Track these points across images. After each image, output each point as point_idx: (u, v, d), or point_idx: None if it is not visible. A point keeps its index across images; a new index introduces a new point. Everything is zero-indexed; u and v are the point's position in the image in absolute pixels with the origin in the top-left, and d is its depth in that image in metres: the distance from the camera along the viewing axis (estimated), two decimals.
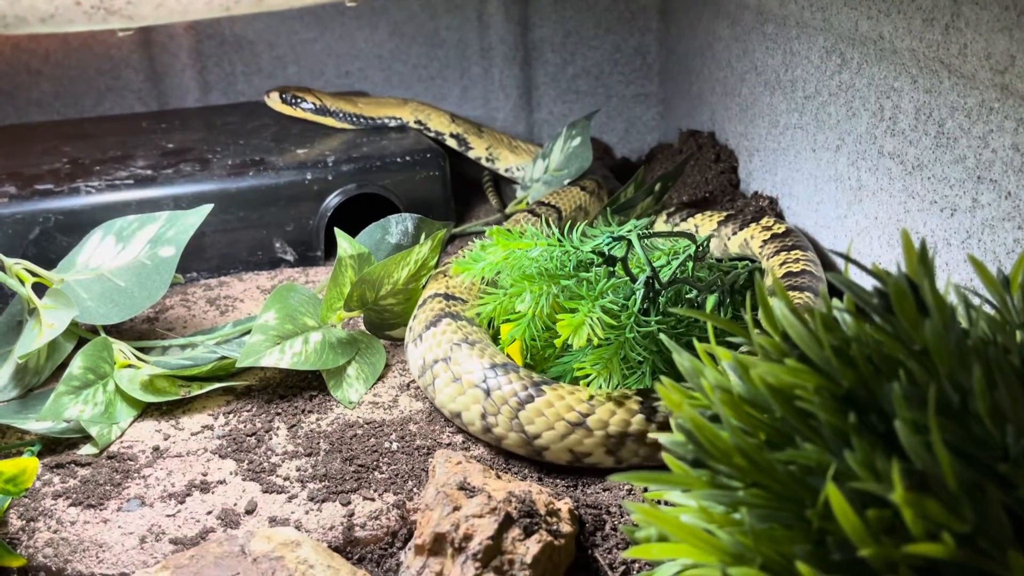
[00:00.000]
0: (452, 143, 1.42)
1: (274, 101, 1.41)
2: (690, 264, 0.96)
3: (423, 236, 1.13)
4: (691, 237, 0.96)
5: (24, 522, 0.76)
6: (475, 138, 1.42)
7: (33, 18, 0.60)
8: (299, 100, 1.40)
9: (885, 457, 0.47)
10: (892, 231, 0.96)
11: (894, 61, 0.91)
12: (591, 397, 0.82)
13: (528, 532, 0.66)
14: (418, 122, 1.41)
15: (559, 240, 0.92)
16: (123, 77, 1.60)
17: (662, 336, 0.64)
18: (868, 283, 0.54)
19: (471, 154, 1.42)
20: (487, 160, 1.42)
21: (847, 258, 0.54)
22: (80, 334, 0.98)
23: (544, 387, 0.82)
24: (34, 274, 0.95)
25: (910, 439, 0.46)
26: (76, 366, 0.88)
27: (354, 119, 1.40)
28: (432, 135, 1.41)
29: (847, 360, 0.51)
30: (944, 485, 0.44)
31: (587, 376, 0.84)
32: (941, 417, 0.46)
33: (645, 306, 0.88)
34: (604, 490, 0.79)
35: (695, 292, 0.92)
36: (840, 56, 1.02)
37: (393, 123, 1.40)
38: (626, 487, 0.79)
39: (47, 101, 1.58)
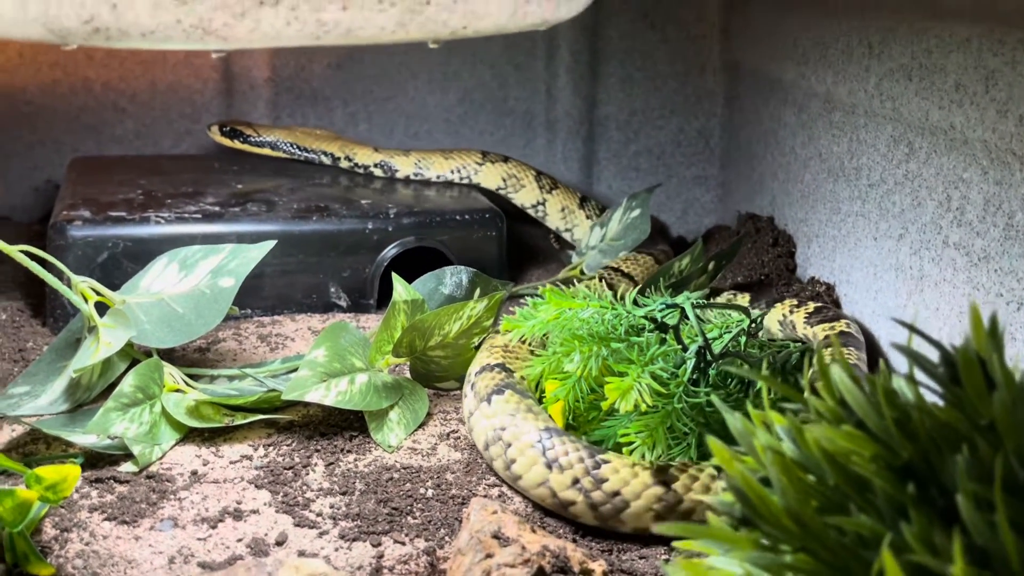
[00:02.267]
0: (378, 172, 1.48)
1: (215, 134, 1.51)
2: (743, 339, 0.95)
3: (476, 291, 1.14)
4: (746, 311, 0.95)
5: (58, 531, 0.76)
6: (401, 158, 1.48)
7: (135, 32, 0.64)
8: (237, 132, 1.50)
9: (943, 532, 0.45)
10: (954, 323, 0.94)
11: (964, 151, 0.91)
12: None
13: None
14: (347, 157, 1.49)
15: (611, 303, 0.91)
16: (202, 121, 1.66)
17: (713, 397, 0.63)
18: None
19: (399, 174, 1.48)
20: (415, 174, 1.48)
21: (912, 328, 0.53)
22: (134, 355, 0.99)
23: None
24: (98, 293, 0.98)
25: (972, 514, 0.44)
26: (127, 384, 0.90)
27: (289, 148, 1.49)
28: (360, 169, 1.48)
29: (907, 431, 0.50)
30: (1007, 564, 0.42)
31: (631, 444, 0.83)
32: (1006, 494, 0.44)
33: (695, 377, 0.87)
34: (640, 557, 0.77)
35: (746, 367, 0.90)
36: (908, 145, 1.02)
37: (325, 158, 1.49)
38: (663, 555, 0.76)
39: (128, 139, 1.65)
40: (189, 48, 0.66)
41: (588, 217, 1.46)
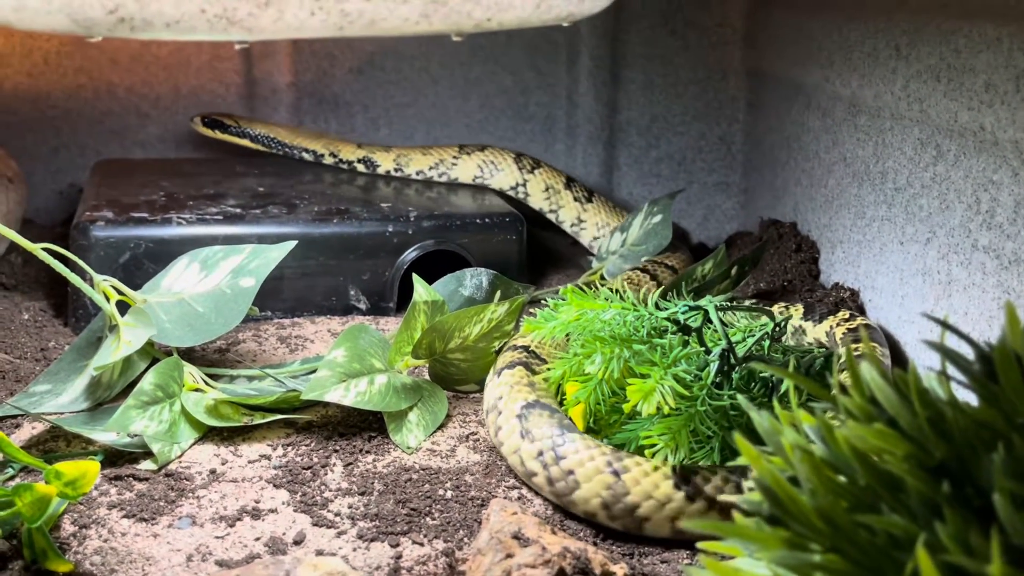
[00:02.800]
0: (361, 167, 1.50)
1: (197, 125, 1.54)
2: (766, 342, 0.93)
3: (497, 293, 1.14)
4: (770, 314, 0.94)
5: (76, 528, 0.76)
6: (382, 153, 1.49)
7: (159, 23, 0.64)
8: (218, 123, 1.53)
9: (979, 532, 0.44)
10: (984, 327, 0.92)
11: (994, 153, 0.89)
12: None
13: None
14: (332, 154, 1.51)
15: (633, 305, 0.90)
16: None
17: (739, 397, 0.62)
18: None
19: (380, 169, 1.49)
20: (395, 169, 1.49)
21: (945, 324, 0.52)
22: (154, 354, 1.00)
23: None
24: (120, 292, 0.98)
25: (1009, 513, 0.42)
26: (147, 382, 0.90)
27: (268, 142, 1.51)
28: (345, 164, 1.50)
29: (941, 430, 0.48)
30: None
31: (653, 446, 0.82)
32: None
33: (718, 380, 0.86)
34: (662, 562, 0.75)
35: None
36: (936, 148, 1.01)
37: (307, 155, 1.51)
38: (685, 560, 0.75)
39: (151, 143, 1.66)
40: (213, 39, 0.66)
41: (576, 199, 1.45)
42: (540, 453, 0.82)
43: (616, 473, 0.78)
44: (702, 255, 1.59)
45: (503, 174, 1.46)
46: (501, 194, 1.47)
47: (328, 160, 1.51)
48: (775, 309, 1.13)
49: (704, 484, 0.77)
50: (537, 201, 1.46)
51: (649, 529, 0.77)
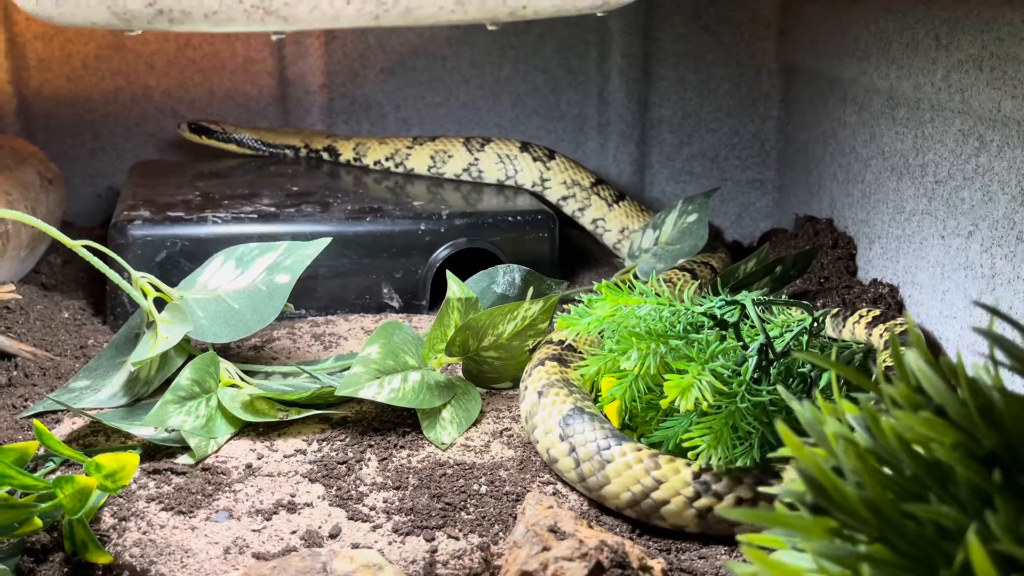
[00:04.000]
0: (326, 155, 1.56)
1: (184, 131, 1.58)
2: (805, 337, 0.92)
3: (530, 290, 1.13)
4: (808, 309, 0.93)
5: (116, 520, 0.77)
6: (343, 143, 1.54)
7: (198, 14, 0.64)
8: (204, 129, 1.57)
9: None
10: None
11: None
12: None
13: None
14: (306, 146, 1.56)
15: (669, 300, 0.89)
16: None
17: (780, 388, 0.61)
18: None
19: (341, 158, 1.54)
20: (354, 159, 1.53)
21: (994, 311, 0.50)
22: (191, 351, 1.00)
23: None
24: (157, 289, 0.99)
25: None
26: (184, 377, 0.90)
27: (254, 144, 1.56)
28: (314, 153, 1.55)
29: (990, 418, 0.47)
30: None
31: (695, 447, 0.81)
32: None
33: (757, 375, 0.84)
34: (700, 557, 0.74)
35: (809, 366, 0.87)
36: (978, 138, 0.99)
37: (289, 151, 1.56)
38: (723, 555, 0.74)
39: (187, 145, 1.68)
40: (250, 29, 0.67)
41: (535, 159, 1.46)
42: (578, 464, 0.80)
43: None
44: (737, 253, 1.58)
45: (455, 160, 1.48)
46: (531, 192, 1.47)
47: (303, 153, 1.56)
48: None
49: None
50: (493, 174, 1.48)
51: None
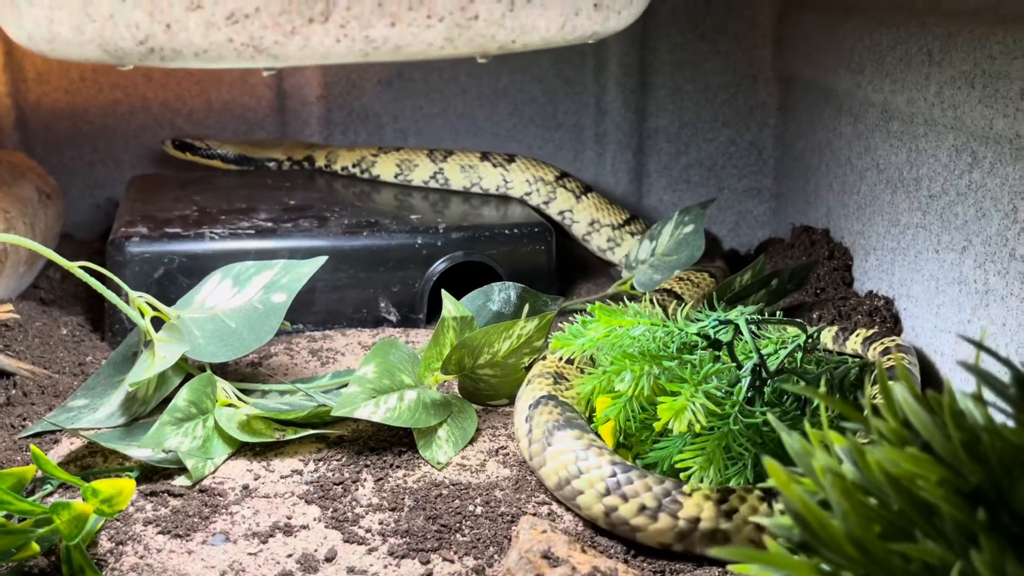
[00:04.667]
0: (306, 164, 1.59)
1: (168, 148, 1.60)
2: (799, 355, 0.92)
3: (525, 307, 1.14)
4: (802, 326, 0.93)
5: (113, 544, 0.77)
6: (319, 151, 1.57)
7: (188, 52, 0.65)
8: (188, 146, 1.59)
9: (1016, 561, 0.43)
10: (1022, 338, 0.90)
11: None
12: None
13: None
14: (288, 158, 1.59)
15: (663, 320, 0.90)
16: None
17: (770, 416, 0.61)
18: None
19: (317, 164, 1.58)
20: (326, 165, 1.57)
21: (979, 345, 0.51)
22: (188, 370, 1.01)
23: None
24: (154, 308, 1.00)
25: None
26: (181, 398, 0.91)
27: (238, 159, 1.59)
28: (296, 165, 1.59)
29: (976, 454, 0.47)
30: None
31: (688, 469, 0.81)
32: None
33: (750, 395, 0.85)
34: None
35: (803, 384, 0.88)
36: (971, 155, 0.99)
37: (272, 164, 1.59)
38: None
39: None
40: (241, 66, 0.67)
41: (495, 166, 1.49)
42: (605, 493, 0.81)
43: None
44: (734, 262, 1.58)
45: (420, 168, 1.52)
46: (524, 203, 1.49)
47: (285, 165, 1.59)
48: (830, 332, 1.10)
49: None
50: (459, 182, 1.51)
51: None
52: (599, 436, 0.88)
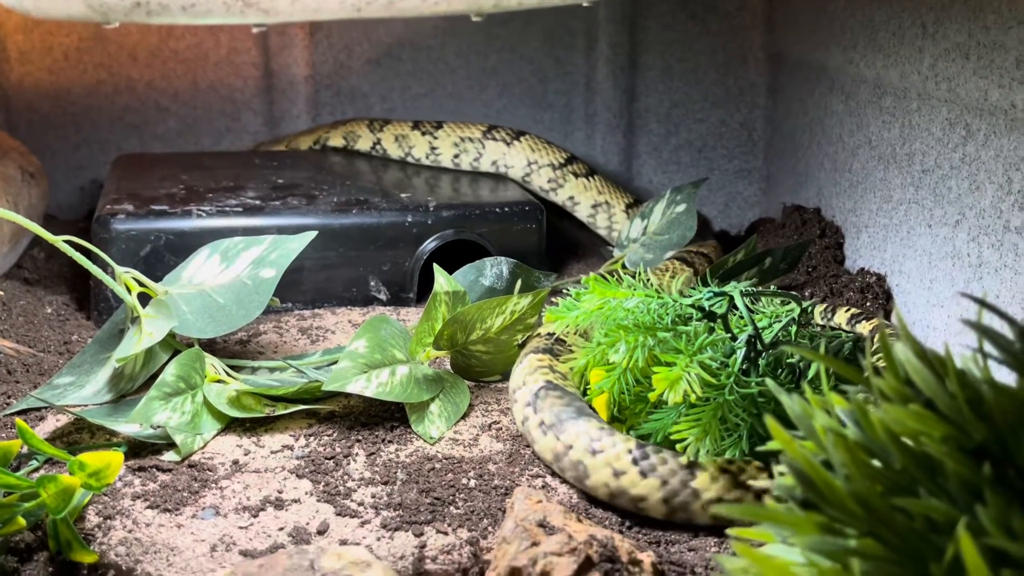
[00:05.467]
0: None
1: None
2: (793, 328, 0.92)
3: (518, 283, 1.13)
4: (797, 300, 0.92)
5: (101, 519, 0.76)
6: (276, 145, 1.60)
7: (175, 6, 0.63)
8: None
9: (1022, 515, 0.42)
10: (1015, 310, 0.90)
11: None
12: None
13: None
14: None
15: (657, 292, 0.89)
16: (243, 119, 1.67)
17: (768, 382, 0.61)
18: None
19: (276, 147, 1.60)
20: (288, 145, 1.58)
21: (982, 303, 0.50)
22: (176, 346, 1.00)
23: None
24: (141, 284, 0.98)
25: None
26: (169, 373, 0.90)
27: None
28: None
29: (980, 411, 0.47)
30: None
31: (683, 440, 0.80)
32: None
33: (745, 367, 0.84)
34: (689, 550, 0.74)
35: (797, 357, 0.87)
36: (965, 127, 0.99)
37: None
38: (713, 548, 0.74)
39: (171, 137, 1.67)
40: (229, 22, 0.66)
41: (424, 134, 1.51)
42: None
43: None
44: (725, 242, 1.58)
45: (363, 139, 1.54)
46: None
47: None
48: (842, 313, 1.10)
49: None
50: (394, 151, 1.53)
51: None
52: (593, 409, 0.87)
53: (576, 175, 1.47)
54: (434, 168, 1.51)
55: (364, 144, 1.55)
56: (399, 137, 1.52)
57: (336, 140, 1.57)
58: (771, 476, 0.76)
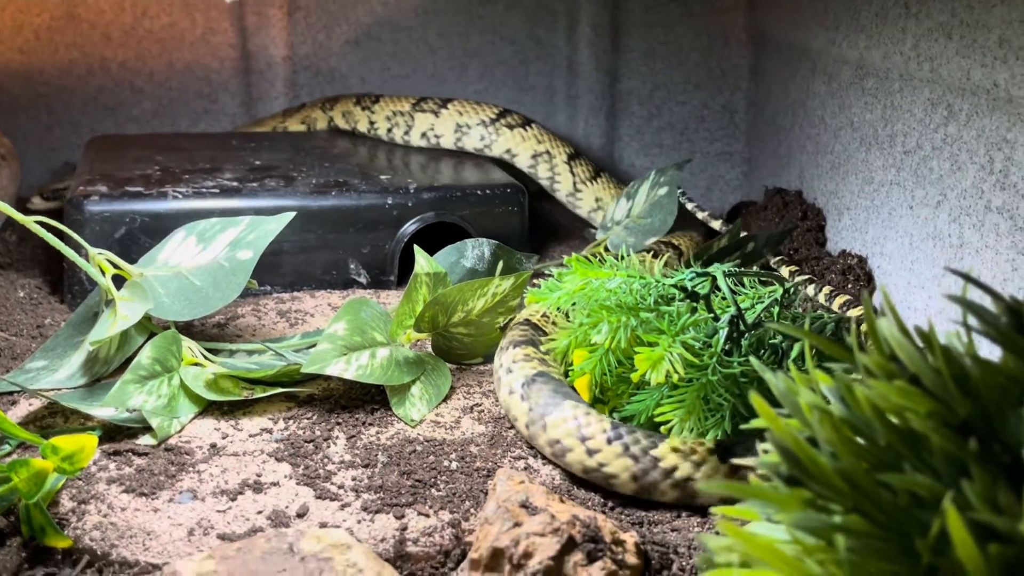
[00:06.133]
0: None
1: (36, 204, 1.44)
2: (776, 309, 0.91)
3: (499, 264, 1.12)
4: (780, 280, 0.92)
5: (75, 504, 0.74)
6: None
7: None
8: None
9: (1008, 490, 0.42)
10: (996, 289, 0.90)
11: (1008, 111, 0.87)
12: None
13: (592, 558, 0.61)
14: None
15: (639, 272, 0.88)
16: (220, 101, 1.65)
17: (752, 360, 0.60)
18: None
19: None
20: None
21: (967, 277, 0.50)
22: (152, 328, 0.98)
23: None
24: (115, 266, 0.96)
25: None
26: (145, 356, 0.88)
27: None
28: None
29: (965, 386, 0.47)
30: None
31: (668, 423, 0.80)
32: None
33: (728, 347, 0.84)
34: (672, 530, 0.74)
35: (780, 337, 0.87)
36: (947, 108, 0.99)
37: None
38: (696, 528, 0.74)
39: (146, 119, 1.64)
40: None
41: (364, 108, 1.53)
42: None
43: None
44: (706, 225, 1.57)
45: (320, 120, 1.57)
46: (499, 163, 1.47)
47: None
48: (787, 271, 1.12)
49: None
50: (343, 124, 1.56)
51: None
52: (575, 390, 0.86)
53: (511, 127, 1.46)
54: (405, 147, 1.50)
55: (322, 123, 1.57)
56: (345, 113, 1.54)
57: (295, 126, 1.59)
58: (723, 460, 0.76)
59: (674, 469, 0.76)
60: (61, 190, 1.44)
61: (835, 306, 1.10)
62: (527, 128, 1.47)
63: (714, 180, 1.71)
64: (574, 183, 1.45)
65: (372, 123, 1.52)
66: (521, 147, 1.46)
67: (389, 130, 1.50)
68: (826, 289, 1.12)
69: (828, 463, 0.46)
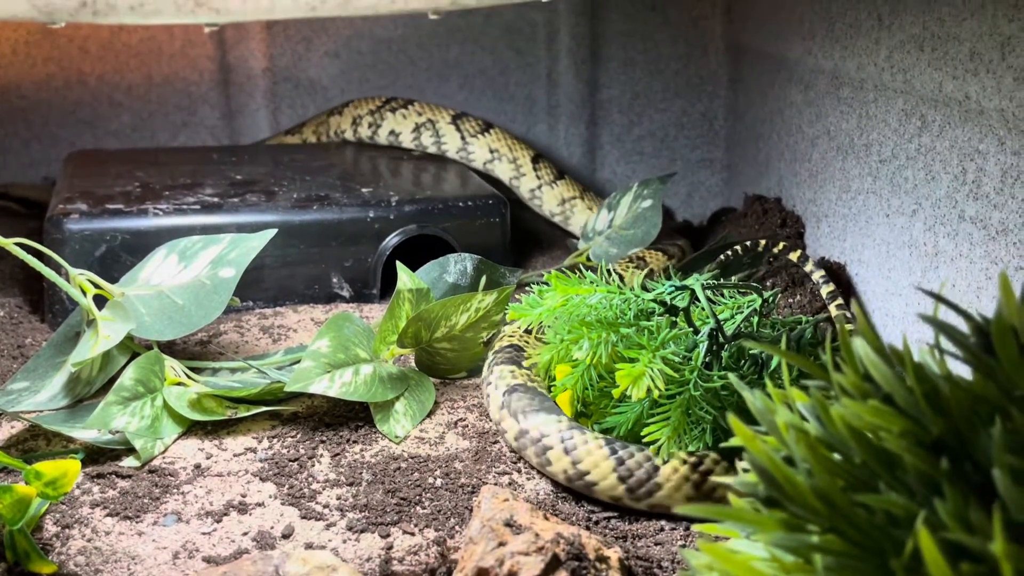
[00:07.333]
0: None
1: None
2: (755, 319, 0.92)
3: (482, 279, 1.12)
4: (758, 291, 0.93)
5: (59, 528, 0.74)
6: None
7: (123, 6, 0.62)
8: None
9: (980, 509, 0.43)
10: (972, 298, 0.91)
11: (980, 122, 0.89)
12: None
13: None
14: None
15: (619, 288, 0.89)
16: (199, 114, 1.64)
17: (731, 376, 0.61)
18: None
19: None
20: None
21: (937, 297, 0.51)
22: (134, 348, 0.98)
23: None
24: (96, 286, 0.96)
25: (1009, 488, 0.42)
26: (127, 377, 0.88)
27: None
28: None
29: (937, 405, 0.48)
30: None
31: (655, 442, 0.80)
32: None
33: (708, 360, 0.85)
34: (656, 544, 0.75)
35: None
36: (920, 118, 1.00)
37: None
38: (679, 542, 0.74)
39: (125, 132, 1.63)
40: (180, 22, 0.64)
41: (332, 114, 1.57)
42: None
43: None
44: (687, 233, 1.58)
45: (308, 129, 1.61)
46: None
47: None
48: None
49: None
50: (311, 137, 1.61)
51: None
52: (558, 406, 0.87)
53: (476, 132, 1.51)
54: (388, 158, 1.52)
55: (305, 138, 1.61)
56: (320, 126, 1.57)
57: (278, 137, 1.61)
58: (731, 465, 0.77)
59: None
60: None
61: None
62: (486, 134, 1.51)
63: (694, 187, 1.72)
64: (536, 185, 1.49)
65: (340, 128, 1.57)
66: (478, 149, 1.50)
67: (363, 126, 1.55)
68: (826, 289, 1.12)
69: (804, 483, 0.47)
